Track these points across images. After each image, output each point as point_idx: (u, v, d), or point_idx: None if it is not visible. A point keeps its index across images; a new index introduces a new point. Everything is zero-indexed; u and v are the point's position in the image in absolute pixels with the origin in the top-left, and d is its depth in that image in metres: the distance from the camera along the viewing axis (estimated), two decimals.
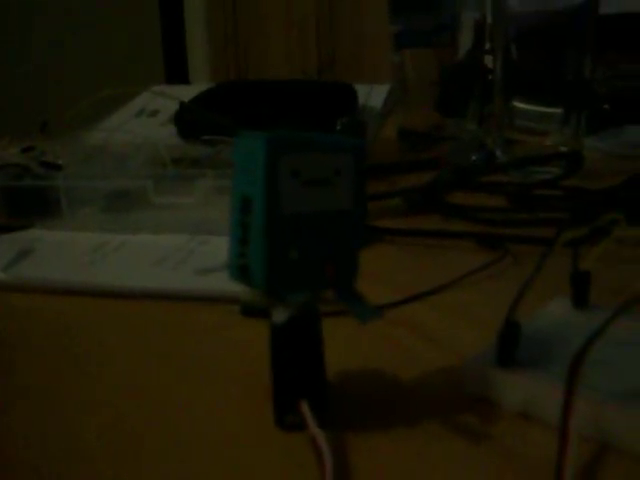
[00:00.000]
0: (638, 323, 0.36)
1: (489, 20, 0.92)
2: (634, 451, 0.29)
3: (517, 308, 0.33)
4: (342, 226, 0.30)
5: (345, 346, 0.37)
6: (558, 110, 0.82)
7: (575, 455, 0.27)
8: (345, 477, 0.29)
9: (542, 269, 0.35)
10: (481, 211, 0.58)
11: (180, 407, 0.34)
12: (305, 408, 0.30)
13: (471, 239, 0.52)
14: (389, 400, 0.34)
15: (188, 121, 0.75)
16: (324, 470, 0.28)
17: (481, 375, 0.33)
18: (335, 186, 0.30)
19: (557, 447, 0.27)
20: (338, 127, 0.56)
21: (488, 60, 0.90)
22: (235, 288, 0.31)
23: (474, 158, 0.75)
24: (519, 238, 0.52)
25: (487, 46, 0.93)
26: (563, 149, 0.71)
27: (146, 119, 0.83)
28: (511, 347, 0.32)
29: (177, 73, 1.35)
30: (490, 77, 0.88)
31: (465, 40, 0.95)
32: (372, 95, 0.85)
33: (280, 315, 0.30)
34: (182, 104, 0.76)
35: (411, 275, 0.47)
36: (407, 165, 0.72)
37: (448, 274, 0.46)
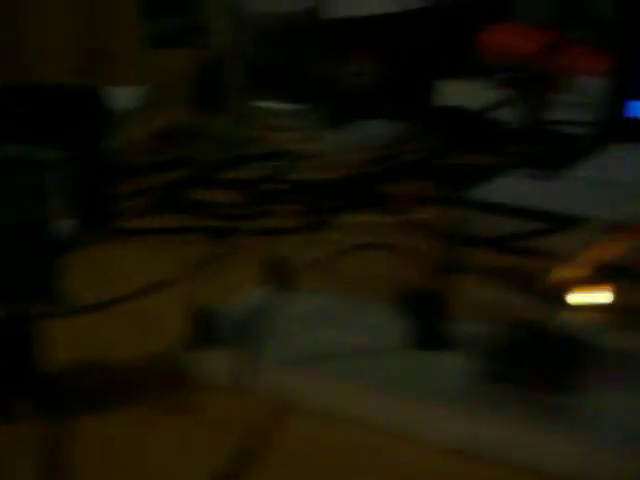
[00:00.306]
0: (326, 300, 0.42)
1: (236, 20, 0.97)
2: (309, 408, 0.35)
3: (228, 295, 0.38)
4: (41, 234, 0.34)
5: (71, 342, 0.40)
6: (300, 107, 0.90)
7: (260, 415, 0.33)
8: (57, 464, 0.32)
9: (262, 256, 0.40)
10: (218, 206, 0.62)
11: None
12: (14, 402, 0.33)
13: (204, 233, 0.57)
14: (110, 387, 0.38)
15: None
16: (32, 460, 0.31)
17: (186, 356, 0.38)
18: (34, 198, 0.33)
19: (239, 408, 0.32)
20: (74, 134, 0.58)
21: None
22: None
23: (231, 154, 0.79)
24: (248, 230, 0.57)
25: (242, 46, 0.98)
26: (296, 145, 0.78)
27: None
28: (210, 329, 0.37)
29: None
30: (242, 75, 0.93)
31: (220, 40, 0.99)
32: (124, 96, 0.87)
33: None
34: None
35: (144, 271, 0.51)
36: (156, 165, 0.76)
37: (179, 267, 0.50)
